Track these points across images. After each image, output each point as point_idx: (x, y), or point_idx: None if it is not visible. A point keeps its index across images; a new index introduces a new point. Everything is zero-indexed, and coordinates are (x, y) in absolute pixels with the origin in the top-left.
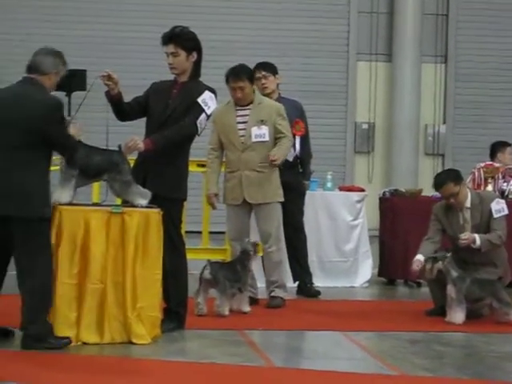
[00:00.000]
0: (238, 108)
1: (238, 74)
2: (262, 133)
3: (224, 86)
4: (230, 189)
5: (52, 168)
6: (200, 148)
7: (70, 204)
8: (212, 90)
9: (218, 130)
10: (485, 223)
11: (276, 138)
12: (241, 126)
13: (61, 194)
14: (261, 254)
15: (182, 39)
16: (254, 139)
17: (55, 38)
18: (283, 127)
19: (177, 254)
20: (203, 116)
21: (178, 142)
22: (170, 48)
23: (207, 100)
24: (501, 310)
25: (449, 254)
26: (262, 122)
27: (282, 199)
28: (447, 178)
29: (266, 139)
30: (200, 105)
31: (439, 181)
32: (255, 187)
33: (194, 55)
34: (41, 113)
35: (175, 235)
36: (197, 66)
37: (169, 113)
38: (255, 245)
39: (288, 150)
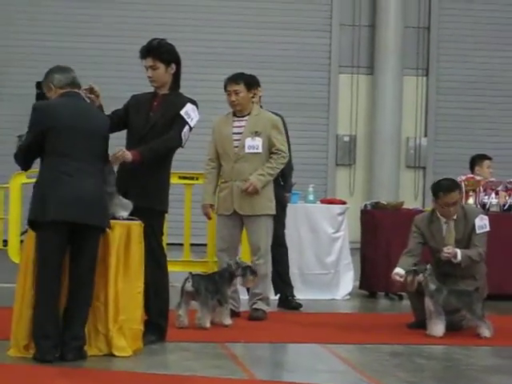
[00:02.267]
0: (236, 119)
1: (235, 78)
2: (255, 144)
3: (208, 98)
4: (222, 199)
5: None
6: (182, 160)
7: None
8: (193, 102)
9: (215, 140)
10: (467, 238)
11: (270, 151)
12: (236, 136)
13: None
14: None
15: (159, 52)
16: (247, 150)
17: (33, 49)
18: (278, 141)
19: (158, 266)
20: (187, 128)
21: (164, 153)
22: (149, 61)
23: (190, 112)
24: (473, 322)
25: (428, 266)
26: (257, 134)
27: (274, 212)
28: (455, 185)
29: (259, 151)
30: (183, 117)
31: (449, 186)
32: (246, 198)
33: (173, 67)
34: (107, 123)
35: (156, 247)
36: (176, 77)
37: (150, 125)
38: (244, 267)
39: (273, 172)
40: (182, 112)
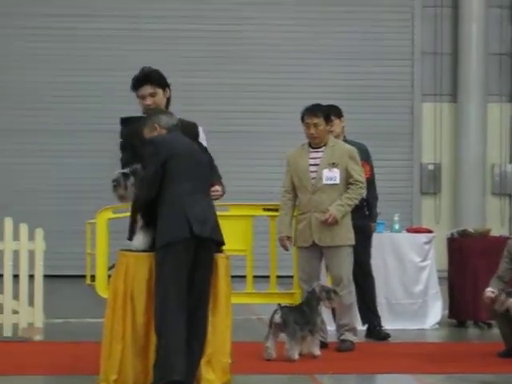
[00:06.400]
0: (312, 150)
1: (314, 111)
2: (333, 175)
3: (291, 129)
4: (300, 231)
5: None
6: (265, 192)
7: (138, 250)
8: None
9: (291, 171)
10: None
11: (348, 182)
12: (313, 168)
13: (138, 240)
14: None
15: (156, 78)
16: (324, 181)
17: (113, 85)
18: (355, 171)
19: None
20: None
21: None
22: (148, 89)
23: (202, 135)
24: None
25: None
26: (334, 165)
27: (353, 242)
28: None
29: (337, 182)
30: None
31: None
32: (325, 230)
33: (167, 91)
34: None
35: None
36: (169, 101)
37: None
38: (328, 290)
39: (351, 203)
40: (202, 142)
